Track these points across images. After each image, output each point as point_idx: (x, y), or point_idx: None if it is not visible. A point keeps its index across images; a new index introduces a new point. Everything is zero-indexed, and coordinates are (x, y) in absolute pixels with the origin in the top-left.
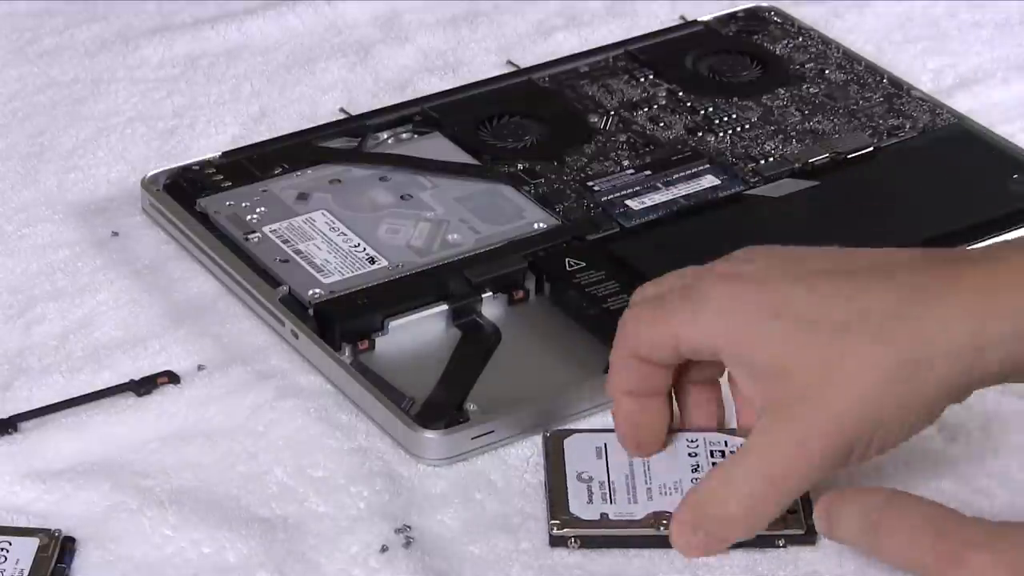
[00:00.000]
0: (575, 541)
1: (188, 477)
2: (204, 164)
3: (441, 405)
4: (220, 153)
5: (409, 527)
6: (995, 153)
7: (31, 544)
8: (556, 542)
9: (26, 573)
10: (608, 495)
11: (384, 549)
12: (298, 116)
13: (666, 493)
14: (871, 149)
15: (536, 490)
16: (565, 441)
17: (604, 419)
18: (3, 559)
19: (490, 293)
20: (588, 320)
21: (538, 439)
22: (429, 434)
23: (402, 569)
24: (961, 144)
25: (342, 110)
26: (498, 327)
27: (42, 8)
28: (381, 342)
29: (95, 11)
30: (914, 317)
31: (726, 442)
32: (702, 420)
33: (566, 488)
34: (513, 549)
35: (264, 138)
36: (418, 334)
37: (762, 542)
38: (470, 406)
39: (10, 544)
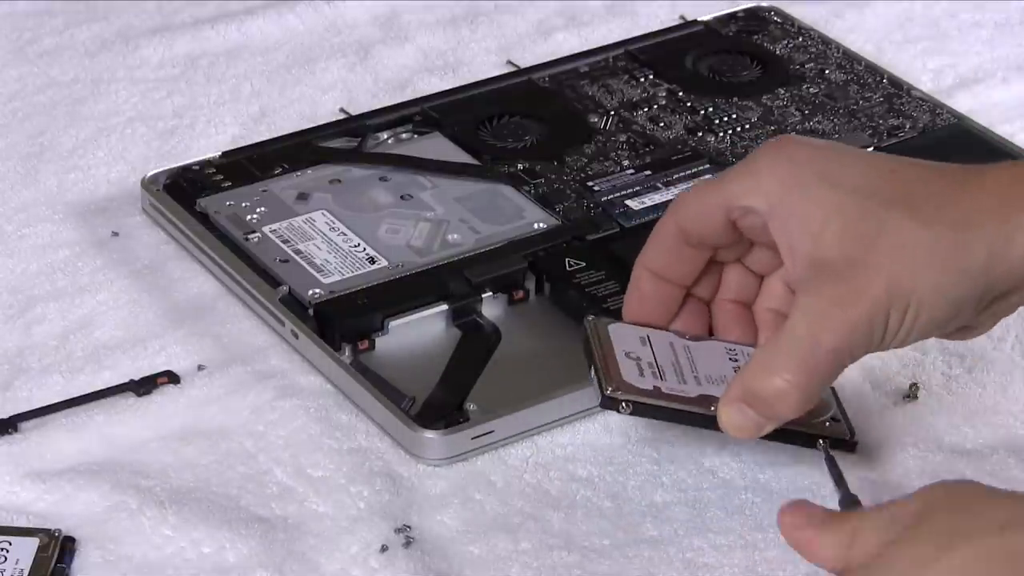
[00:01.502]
0: (627, 405)
1: (188, 477)
2: (204, 164)
3: (441, 405)
4: (220, 153)
5: (409, 527)
6: (995, 153)
7: (31, 544)
8: (608, 404)
9: (26, 573)
10: (658, 374)
11: (384, 549)
12: (298, 116)
13: (713, 382)
14: (871, 149)
15: (535, 489)
16: (610, 327)
17: (605, 418)
18: (3, 559)
19: (490, 293)
20: None
21: (538, 438)
22: (429, 434)
23: (402, 569)
24: (961, 144)
25: (342, 110)
26: (498, 327)
27: (42, 8)
28: (381, 342)
29: (95, 11)
30: (953, 201)
31: None
32: (739, 337)
33: (616, 360)
34: (513, 549)
35: (264, 138)
36: (418, 334)
37: (805, 441)
38: (470, 406)
39: (10, 544)
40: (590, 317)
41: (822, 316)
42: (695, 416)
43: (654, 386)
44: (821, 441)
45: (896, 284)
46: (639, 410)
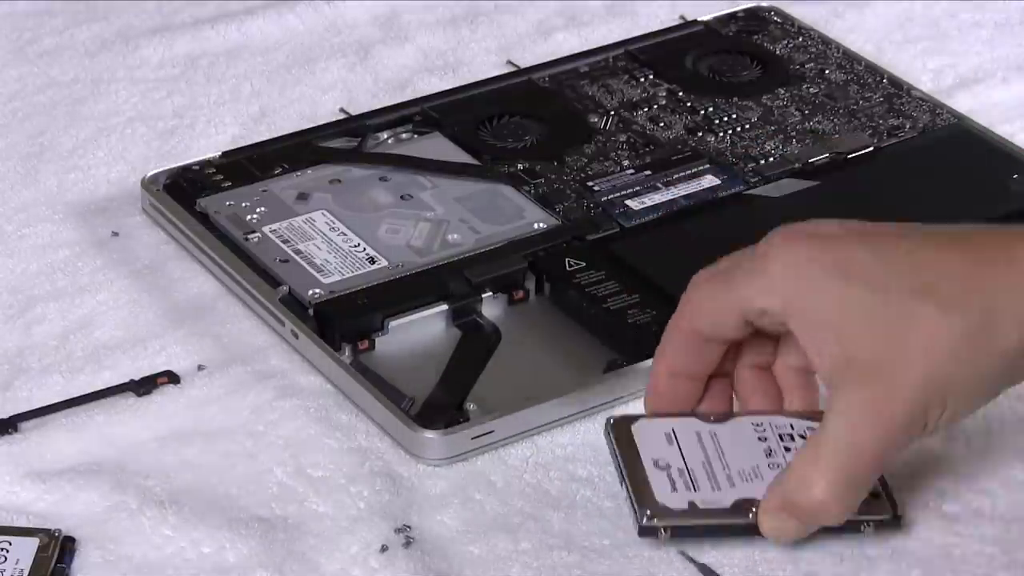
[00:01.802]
0: (665, 531)
1: (188, 477)
2: (204, 164)
3: (441, 405)
4: (220, 153)
5: (409, 527)
6: (995, 153)
7: (31, 544)
8: (645, 532)
9: (26, 573)
10: (690, 483)
11: (384, 549)
12: (298, 116)
13: (747, 479)
14: (871, 149)
15: (535, 489)
16: (632, 427)
17: (605, 418)
18: (3, 559)
19: (490, 293)
20: (588, 320)
21: (538, 438)
22: (429, 434)
23: (402, 569)
24: (961, 144)
25: (342, 110)
26: (498, 327)
27: (42, 8)
28: (381, 342)
29: (95, 11)
30: (981, 286)
31: (791, 424)
32: (764, 404)
33: (646, 476)
34: (513, 549)
35: (264, 138)
36: (418, 334)
37: (849, 528)
38: (470, 406)
39: (10, 544)
40: (611, 419)
41: (860, 421)
42: (735, 527)
43: (689, 502)
44: (864, 525)
45: (931, 380)
46: (678, 532)
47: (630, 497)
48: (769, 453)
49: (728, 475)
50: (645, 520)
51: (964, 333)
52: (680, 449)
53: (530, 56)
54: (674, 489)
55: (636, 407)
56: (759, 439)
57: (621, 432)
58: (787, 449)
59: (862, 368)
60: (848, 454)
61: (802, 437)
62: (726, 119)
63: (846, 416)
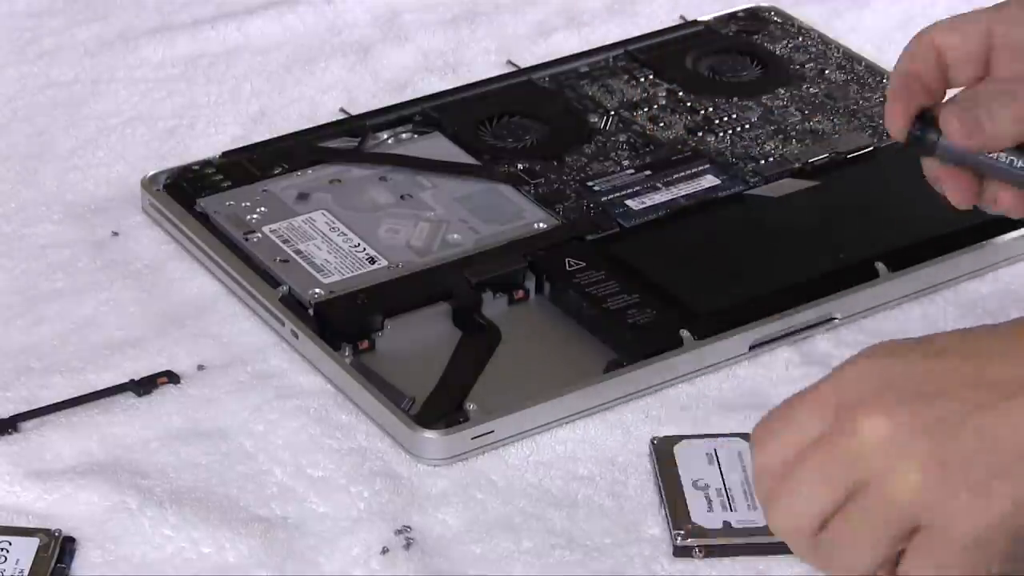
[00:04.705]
0: (700, 551)
1: (188, 477)
2: (204, 164)
3: (441, 405)
4: (220, 153)
5: (409, 528)
6: None
7: (31, 544)
8: (680, 552)
9: (26, 573)
10: (727, 502)
11: (385, 551)
12: (298, 116)
13: None
14: (871, 149)
15: (536, 488)
16: (675, 448)
17: (605, 417)
18: (3, 559)
19: (490, 293)
20: (588, 320)
21: (538, 438)
22: (429, 434)
23: (404, 568)
24: None
25: (342, 110)
26: (498, 327)
27: (42, 8)
28: (381, 342)
29: (95, 11)
30: None
31: None
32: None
33: (684, 496)
34: (514, 549)
35: (264, 138)
36: (418, 334)
37: None
38: (470, 406)
39: (10, 544)
40: (655, 440)
41: None
42: (771, 546)
43: (724, 522)
44: None
45: None
46: (712, 552)
47: (667, 517)
48: None
49: None
50: (679, 540)
51: None
52: (720, 469)
53: (530, 56)
54: (710, 509)
55: (636, 407)
56: None
57: (663, 452)
58: None
59: None
60: None
61: None
62: (726, 119)
63: None
